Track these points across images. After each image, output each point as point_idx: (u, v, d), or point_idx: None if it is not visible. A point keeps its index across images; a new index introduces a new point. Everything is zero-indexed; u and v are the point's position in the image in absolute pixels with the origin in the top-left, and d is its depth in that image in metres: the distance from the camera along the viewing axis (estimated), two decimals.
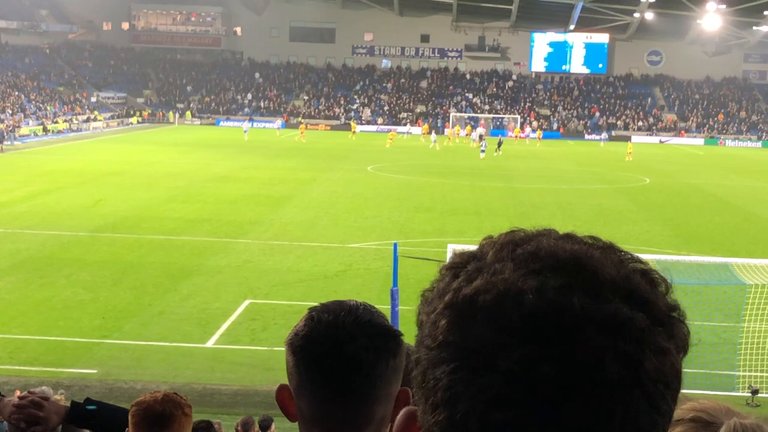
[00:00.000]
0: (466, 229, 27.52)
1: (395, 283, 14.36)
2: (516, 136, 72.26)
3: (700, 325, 15.60)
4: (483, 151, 53.98)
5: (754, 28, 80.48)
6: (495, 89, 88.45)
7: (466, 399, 0.80)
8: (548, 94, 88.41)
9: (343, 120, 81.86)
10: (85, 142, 58.19)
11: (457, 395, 0.80)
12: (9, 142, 53.61)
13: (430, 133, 69.46)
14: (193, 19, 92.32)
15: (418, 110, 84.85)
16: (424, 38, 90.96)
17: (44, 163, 43.50)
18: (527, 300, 0.80)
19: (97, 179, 37.13)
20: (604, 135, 74.78)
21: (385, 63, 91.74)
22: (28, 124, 65.01)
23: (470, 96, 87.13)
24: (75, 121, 70.05)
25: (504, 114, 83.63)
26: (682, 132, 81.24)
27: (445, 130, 75.86)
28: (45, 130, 64.60)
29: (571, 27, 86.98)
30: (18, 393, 3.14)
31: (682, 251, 23.34)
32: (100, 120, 74.21)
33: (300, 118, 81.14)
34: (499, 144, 58.16)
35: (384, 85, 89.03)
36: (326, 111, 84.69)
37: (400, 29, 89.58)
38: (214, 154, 49.96)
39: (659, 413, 0.81)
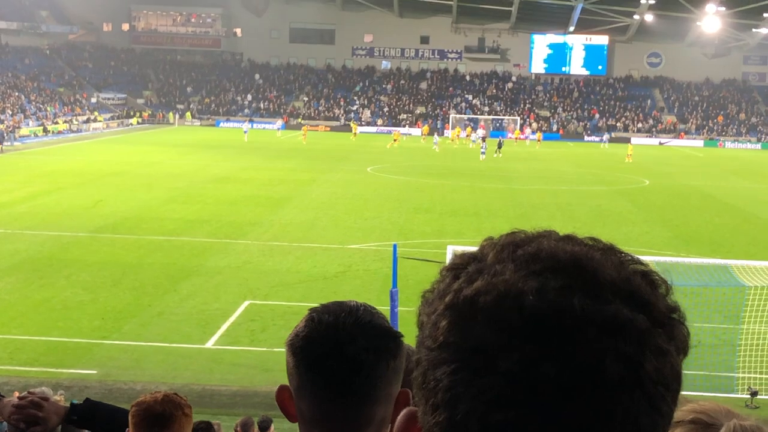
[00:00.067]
0: (466, 230, 27.53)
1: (395, 284, 14.37)
2: (516, 138, 72.28)
3: (700, 327, 15.61)
4: (483, 152, 54.00)
5: (754, 30, 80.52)
6: (495, 91, 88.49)
7: (467, 400, 0.80)
8: (548, 95, 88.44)
9: (342, 121, 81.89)
10: (85, 143, 58.20)
11: (457, 396, 0.81)
12: (9, 143, 53.62)
13: (432, 134, 69.54)
14: (193, 20, 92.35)
15: (417, 111, 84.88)
16: (424, 39, 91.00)
17: (44, 164, 43.50)
18: (528, 301, 0.80)
19: (97, 180, 37.14)
20: (606, 136, 74.76)
21: (385, 64, 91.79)
22: (28, 124, 65.02)
23: (470, 97, 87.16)
24: (75, 122, 70.07)
25: (504, 115, 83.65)
26: (682, 134, 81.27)
27: (445, 131, 75.87)
28: (45, 130, 64.61)
29: (571, 29, 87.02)
30: (17, 394, 3.14)
31: (682, 252, 23.34)
32: (100, 121, 74.22)
33: (300, 119, 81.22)
34: (500, 145, 58.17)
35: (384, 86, 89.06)
36: (326, 112, 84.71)
37: (400, 30, 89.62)
38: (214, 155, 49.96)
39: (659, 414, 0.81)
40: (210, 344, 15.99)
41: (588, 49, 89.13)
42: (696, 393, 12.29)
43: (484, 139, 58.10)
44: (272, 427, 10.10)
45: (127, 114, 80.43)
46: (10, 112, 64.82)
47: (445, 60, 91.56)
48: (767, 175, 49.63)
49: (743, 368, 14.78)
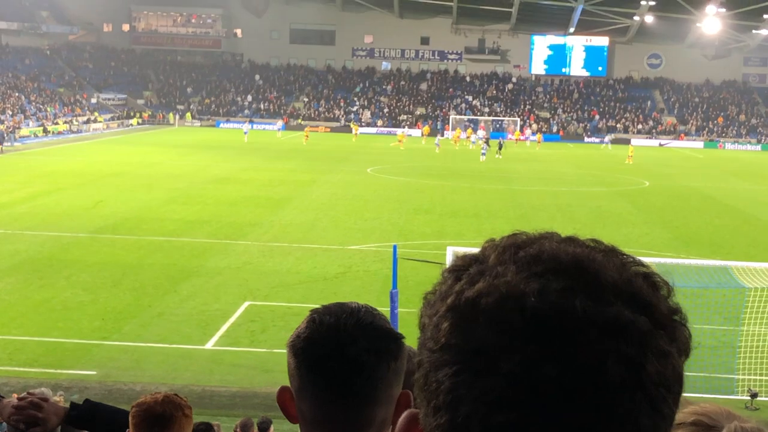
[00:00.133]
0: (466, 231, 27.54)
1: (395, 285, 14.37)
2: (516, 139, 72.30)
3: (700, 329, 15.59)
4: (484, 153, 53.99)
5: (754, 31, 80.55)
6: (495, 92, 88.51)
7: (468, 401, 0.80)
8: (548, 96, 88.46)
9: (342, 122, 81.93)
10: (85, 144, 58.21)
11: (459, 398, 0.81)
12: (9, 143, 53.64)
13: (434, 135, 69.51)
14: (193, 20, 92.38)
15: (417, 112, 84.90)
16: (424, 40, 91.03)
17: (44, 164, 43.50)
18: (529, 303, 0.80)
19: (97, 180, 37.14)
20: (609, 138, 74.74)
21: (385, 65, 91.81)
22: (28, 125, 65.03)
23: (470, 98, 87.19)
24: (75, 123, 70.07)
25: (504, 117, 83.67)
26: (682, 135, 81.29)
27: (445, 132, 75.88)
28: (45, 131, 64.62)
29: (571, 30, 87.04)
30: (15, 396, 3.14)
31: (682, 254, 23.34)
32: (100, 121, 74.23)
33: (300, 120, 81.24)
34: (500, 146, 58.14)
35: (384, 87, 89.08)
36: (326, 113, 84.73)
37: (400, 31, 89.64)
38: (214, 156, 49.98)
39: (661, 416, 0.81)
40: (210, 345, 16.00)
41: (588, 50, 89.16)
42: (695, 395, 12.29)
43: (487, 141, 58.11)
44: (272, 428, 10.10)
45: (128, 114, 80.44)
46: (11, 113, 64.83)
47: (445, 61, 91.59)
48: (767, 176, 49.63)
49: (743, 370, 14.78)
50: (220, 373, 14.63)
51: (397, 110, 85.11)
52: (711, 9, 72.37)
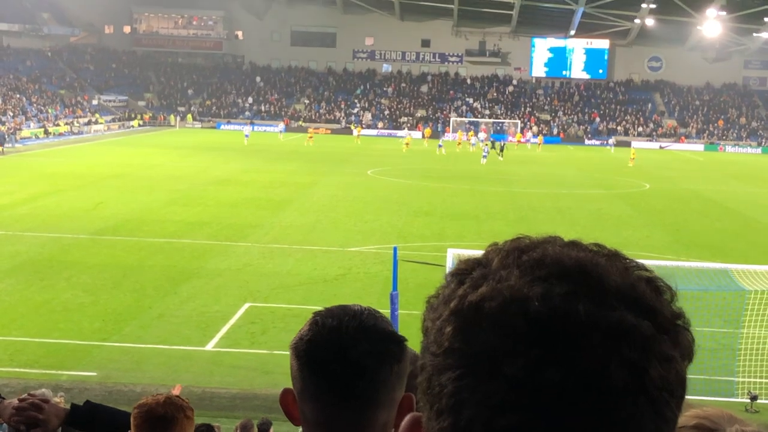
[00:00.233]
0: (466, 233, 27.53)
1: (395, 287, 14.36)
2: (517, 141, 72.29)
3: (700, 331, 15.49)
4: (485, 156, 53.99)
5: (755, 34, 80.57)
6: (495, 94, 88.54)
7: (471, 405, 0.80)
8: (548, 99, 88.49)
9: (343, 124, 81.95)
10: (86, 145, 58.23)
11: (462, 401, 0.81)
12: (10, 145, 53.67)
13: (436, 138, 69.50)
14: (194, 22, 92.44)
15: (418, 115, 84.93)
16: (425, 43, 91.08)
17: (45, 166, 43.51)
18: (533, 307, 0.80)
19: (98, 182, 37.15)
20: (612, 140, 74.67)
21: (386, 67, 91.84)
22: (29, 126, 65.05)
23: (471, 101, 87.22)
24: (76, 124, 70.10)
25: (504, 119, 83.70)
26: (682, 138, 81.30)
27: (446, 134, 75.87)
28: (46, 132, 64.64)
29: (572, 32, 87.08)
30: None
31: (682, 257, 23.34)
32: (101, 123, 74.26)
33: (301, 122, 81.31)
34: (502, 148, 58.13)
35: (384, 89, 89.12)
36: (327, 115, 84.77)
37: (401, 34, 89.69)
38: (215, 158, 49.99)
39: (664, 420, 0.81)
40: (210, 347, 15.99)
41: (589, 52, 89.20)
42: (695, 397, 12.28)
43: (494, 144, 58.10)
44: (272, 429, 10.10)
45: (128, 116, 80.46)
46: (12, 114, 64.86)
47: (446, 63, 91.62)
48: (767, 179, 49.68)
49: (743, 372, 14.78)
50: (220, 375, 14.63)
51: (397, 112, 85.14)
52: (711, 12, 72.41)
